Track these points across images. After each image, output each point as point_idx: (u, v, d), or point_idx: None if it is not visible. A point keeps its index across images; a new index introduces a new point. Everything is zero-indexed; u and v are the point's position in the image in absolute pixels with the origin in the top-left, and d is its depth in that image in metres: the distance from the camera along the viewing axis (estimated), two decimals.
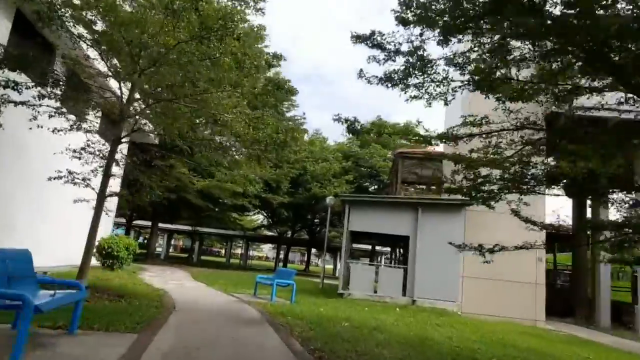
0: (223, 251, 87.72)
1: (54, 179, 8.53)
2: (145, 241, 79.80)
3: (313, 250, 63.81)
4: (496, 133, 7.13)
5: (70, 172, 8.65)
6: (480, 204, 7.21)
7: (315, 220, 41.53)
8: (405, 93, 6.12)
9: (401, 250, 24.09)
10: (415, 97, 6.16)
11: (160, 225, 40.16)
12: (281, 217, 30.99)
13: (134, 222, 34.73)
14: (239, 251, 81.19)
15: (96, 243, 14.21)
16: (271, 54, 8.30)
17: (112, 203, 19.07)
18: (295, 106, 28.80)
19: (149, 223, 40.60)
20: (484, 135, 7.23)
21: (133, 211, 33.46)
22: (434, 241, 14.45)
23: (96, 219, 8.62)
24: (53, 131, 8.72)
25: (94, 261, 14.69)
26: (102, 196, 8.67)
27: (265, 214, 41.42)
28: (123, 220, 37.31)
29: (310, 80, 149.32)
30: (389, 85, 5.97)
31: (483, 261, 7.05)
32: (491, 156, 7.26)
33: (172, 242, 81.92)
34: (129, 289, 9.92)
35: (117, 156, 9.55)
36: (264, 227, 48.88)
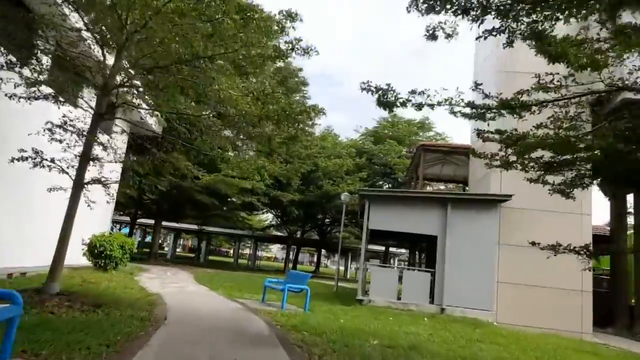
0: (231, 251, 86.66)
1: (16, 160, 7.04)
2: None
3: (322, 251, 62.29)
4: (573, 100, 5.49)
5: (36, 152, 7.15)
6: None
7: (326, 220, 39.96)
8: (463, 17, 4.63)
9: (423, 252, 22.40)
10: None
11: (165, 223, 38.90)
12: (291, 215, 29.46)
13: (139, 220, 33.38)
14: (247, 251, 79.97)
15: (87, 241, 12.84)
16: (284, 13, 6.94)
17: (107, 196, 17.74)
18: (307, 98, 27.26)
19: (165, 222, 39.46)
20: (559, 104, 5.59)
21: (137, 209, 32.19)
22: (465, 241, 12.81)
23: (72, 206, 7.13)
24: (29, 100, 7.26)
25: (85, 261, 13.31)
26: (79, 182, 7.16)
27: (274, 213, 39.97)
28: (127, 218, 36.17)
29: (316, 81, 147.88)
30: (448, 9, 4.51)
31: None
32: (564, 133, 5.63)
33: (181, 241, 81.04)
34: (114, 295, 8.43)
35: (115, 147, 8.07)
36: (272, 227, 47.53)
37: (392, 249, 48.37)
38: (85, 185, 7.30)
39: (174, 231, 45.04)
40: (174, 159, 19.67)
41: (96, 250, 12.36)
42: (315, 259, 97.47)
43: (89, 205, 8.21)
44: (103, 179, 7.65)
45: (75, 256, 12.87)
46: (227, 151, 10.96)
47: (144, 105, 10.73)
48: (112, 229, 17.87)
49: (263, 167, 22.98)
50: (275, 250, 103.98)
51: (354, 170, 30.64)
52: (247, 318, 8.24)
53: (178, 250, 71.49)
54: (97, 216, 16.03)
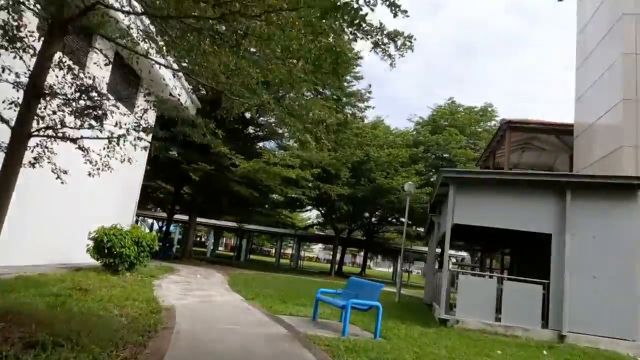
0: (273, 251, 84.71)
1: None
2: (199, 238, 78.62)
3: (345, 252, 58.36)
4: None
5: None
6: None
7: (373, 219, 36.53)
8: None
9: (517, 256, 18.58)
10: None
11: (204, 220, 36.88)
12: (340, 212, 26.35)
13: (176, 216, 31.42)
14: (289, 251, 77.67)
15: (94, 234, 10.32)
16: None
17: (131, 191, 15.31)
18: (359, 78, 23.92)
19: (201, 219, 37.48)
20: None
21: (174, 204, 30.22)
22: (591, 242, 9.21)
23: (10, 162, 4.31)
24: None
25: (91, 260, 10.81)
26: (21, 132, 4.34)
27: (320, 210, 37.04)
28: (164, 214, 34.37)
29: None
30: None
31: None
32: None
33: (224, 240, 79.93)
34: (97, 315, 5.62)
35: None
36: (316, 226, 44.74)
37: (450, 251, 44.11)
38: (30, 138, 4.47)
39: (213, 228, 43.12)
40: (210, 141, 17.07)
41: (104, 247, 9.78)
42: (356, 260, 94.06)
43: (58, 177, 5.46)
44: (59, 130, 4.78)
45: (84, 254, 10.39)
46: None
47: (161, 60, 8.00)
48: (137, 222, 15.49)
49: (315, 156, 20.09)
50: (317, 250, 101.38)
51: (407, 163, 27.14)
52: (294, 356, 5.21)
53: (220, 249, 70.37)
54: (115, 207, 13.64)
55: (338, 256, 36.95)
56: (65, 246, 10.63)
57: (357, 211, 28.32)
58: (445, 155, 30.55)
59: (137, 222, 15.48)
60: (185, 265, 19.17)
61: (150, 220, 44.61)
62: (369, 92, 23.46)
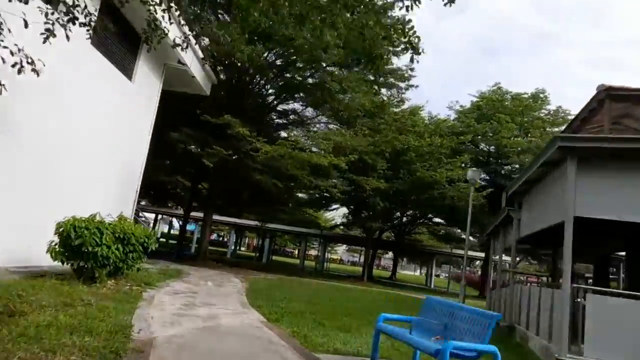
0: (296, 252, 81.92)
1: None
2: (221, 238, 76.44)
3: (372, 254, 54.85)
4: None
5: None
6: None
7: (404, 218, 33.19)
8: None
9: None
10: None
11: (221, 218, 34.27)
12: (375, 209, 23.19)
13: (193, 213, 28.90)
14: (312, 252, 74.66)
15: (60, 227, 7.57)
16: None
17: (130, 177, 12.55)
18: (399, 53, 20.50)
19: (220, 216, 34.92)
20: None
21: (191, 200, 27.71)
22: None
23: None
24: None
25: (51, 262, 8.03)
26: None
27: (349, 209, 33.94)
28: (181, 212, 31.92)
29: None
30: None
31: None
32: None
33: (246, 240, 77.57)
34: None
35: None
36: (341, 226, 41.72)
37: (472, 253, 40.33)
38: None
39: (234, 227, 40.56)
40: (227, 120, 14.39)
41: (72, 245, 6.99)
42: (380, 262, 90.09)
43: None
44: None
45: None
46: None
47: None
48: (136, 219, 12.82)
49: (349, 142, 17.14)
50: (341, 252, 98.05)
51: (449, 154, 23.79)
52: None
53: (242, 249, 67.97)
54: (107, 196, 10.95)
55: (361, 258, 33.76)
56: (29, 242, 7.92)
57: (394, 208, 25.01)
58: (491, 147, 27.09)
59: (137, 217, 12.79)
60: (198, 268, 16.44)
61: (148, 216, 42.18)
62: (411, 69, 20.27)
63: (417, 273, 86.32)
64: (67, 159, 9.04)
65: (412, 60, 5.00)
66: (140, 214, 13.53)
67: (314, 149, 17.32)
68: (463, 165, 23.64)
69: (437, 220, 33.72)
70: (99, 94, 9.92)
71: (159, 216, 45.63)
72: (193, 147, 15.17)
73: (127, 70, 11.18)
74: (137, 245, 8.35)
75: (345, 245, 78.64)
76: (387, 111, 21.61)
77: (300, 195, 34.16)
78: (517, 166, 26.24)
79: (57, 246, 7.13)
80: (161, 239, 47.65)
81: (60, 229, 7.09)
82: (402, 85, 20.59)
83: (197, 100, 16.01)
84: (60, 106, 8.60)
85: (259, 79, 19.53)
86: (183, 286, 10.05)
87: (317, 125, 21.88)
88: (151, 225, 51.72)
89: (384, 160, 20.94)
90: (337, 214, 46.68)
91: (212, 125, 15.42)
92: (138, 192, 12.46)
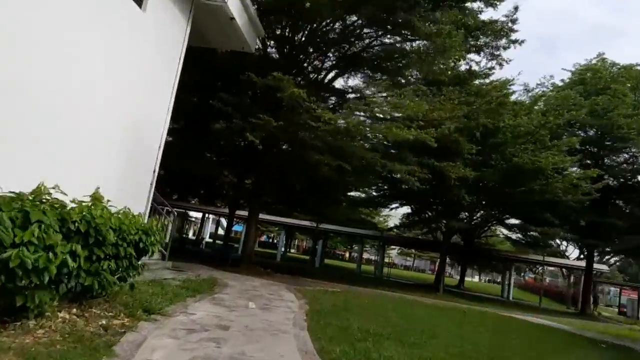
0: (347, 254, 77.80)
1: None
2: (271, 239, 73.74)
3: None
4: None
5: None
6: None
7: (474, 219, 27.90)
8: None
9: None
10: None
11: (269, 217, 30.87)
12: (460, 204, 18.60)
13: (238, 212, 25.73)
14: (364, 255, 70.26)
15: None
16: None
17: (144, 161, 8.66)
18: (494, 3, 15.64)
19: (268, 216, 31.60)
20: None
21: (237, 197, 24.55)
22: None
23: None
24: None
25: None
26: None
27: (414, 207, 29.55)
28: (227, 210, 28.81)
29: None
30: None
31: None
32: None
33: (295, 242, 74.37)
34: None
35: None
36: (403, 227, 37.38)
37: (563, 261, 34.30)
38: None
39: (284, 228, 37.15)
40: (278, 80, 10.70)
41: None
42: (434, 267, 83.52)
43: None
44: None
45: None
46: None
47: None
48: (150, 213, 9.41)
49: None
50: (394, 255, 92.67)
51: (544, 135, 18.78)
52: None
53: (292, 250, 64.86)
54: (108, 178, 7.50)
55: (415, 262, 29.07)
56: None
57: (483, 203, 20.17)
58: (599, 129, 21.73)
59: (151, 213, 9.41)
60: (240, 276, 12.90)
61: (195, 215, 39.81)
62: (512, 22, 15.47)
63: (475, 279, 79.32)
64: (33, 116, 5.65)
65: None
66: (167, 209, 9.81)
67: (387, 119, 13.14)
68: (566, 149, 18.66)
69: (514, 221, 28.55)
70: (88, 24, 6.49)
71: (206, 215, 43.29)
72: (234, 120, 11.62)
73: None
74: (124, 247, 4.76)
75: (398, 248, 73.88)
76: (472, 82, 17.14)
77: (354, 193, 30.45)
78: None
79: None
80: (208, 240, 45.51)
81: None
82: (501, 42, 15.85)
83: (237, 62, 12.51)
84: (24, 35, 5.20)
85: (318, 42, 15.68)
86: (209, 311, 6.37)
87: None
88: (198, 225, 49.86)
89: (470, 144, 16.44)
90: (392, 214, 42.64)
91: (257, 93, 11.86)
92: (156, 173, 9.00)
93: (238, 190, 24.07)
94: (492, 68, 17.29)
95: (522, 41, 15.11)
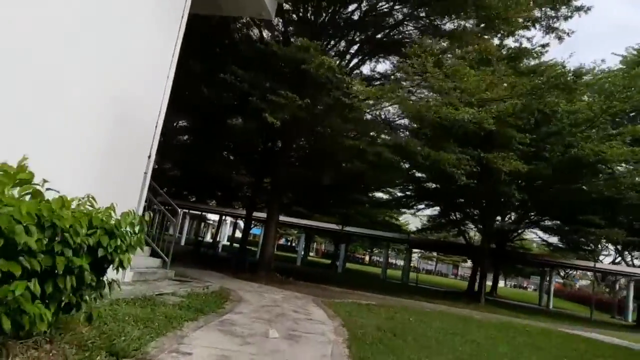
0: (366, 258, 75.38)
1: None
2: (289, 242, 71.79)
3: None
4: None
5: None
6: None
7: (507, 220, 24.96)
8: None
9: None
10: None
11: (286, 219, 28.90)
12: (509, 201, 16.27)
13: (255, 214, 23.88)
14: (378, 258, 67.88)
15: None
16: None
17: (139, 146, 6.20)
18: None
19: (292, 219, 29.63)
20: None
21: (254, 196, 22.74)
22: None
23: None
24: None
25: None
26: None
27: (443, 207, 27.27)
28: (244, 212, 26.95)
29: None
30: None
31: None
32: None
33: (313, 245, 72.19)
34: None
35: None
36: (429, 230, 35.25)
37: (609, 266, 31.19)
38: None
39: (304, 230, 35.21)
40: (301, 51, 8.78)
41: None
42: (458, 271, 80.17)
43: None
44: None
45: None
46: None
47: None
48: (144, 211, 7.57)
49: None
50: (415, 258, 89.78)
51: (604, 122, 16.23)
52: None
53: (311, 254, 62.85)
54: (83, 163, 5.49)
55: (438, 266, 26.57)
56: None
57: (535, 201, 17.64)
58: None
59: (146, 211, 7.55)
60: (257, 286, 10.98)
61: (212, 217, 38.25)
62: None
63: (500, 284, 75.76)
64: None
65: None
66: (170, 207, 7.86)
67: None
68: (630, 139, 16.16)
69: (548, 223, 25.82)
70: None
71: (223, 217, 41.65)
72: (251, 99, 9.70)
73: None
74: (66, 257, 2.84)
75: (419, 252, 71.32)
76: (522, 62, 14.91)
77: (377, 194, 28.50)
78: None
79: None
80: (225, 243, 43.93)
81: None
82: (562, 11, 13.40)
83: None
84: None
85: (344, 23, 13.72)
86: (213, 346, 4.42)
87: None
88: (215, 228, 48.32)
89: (520, 133, 14.13)
90: (411, 217, 40.55)
91: (276, 70, 9.95)
92: (153, 159, 7.12)
93: (256, 190, 22.27)
94: (545, 45, 15.00)
95: (589, 8, 12.81)
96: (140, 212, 6.77)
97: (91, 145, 5.70)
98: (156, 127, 7.10)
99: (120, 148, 6.33)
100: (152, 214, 8.29)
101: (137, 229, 3.76)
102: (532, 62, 15.97)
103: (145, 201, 8.15)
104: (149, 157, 7.02)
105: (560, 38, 13.39)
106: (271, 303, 8.33)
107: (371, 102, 9.28)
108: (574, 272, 59.60)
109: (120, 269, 3.74)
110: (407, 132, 11.78)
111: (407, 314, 10.11)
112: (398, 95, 9.31)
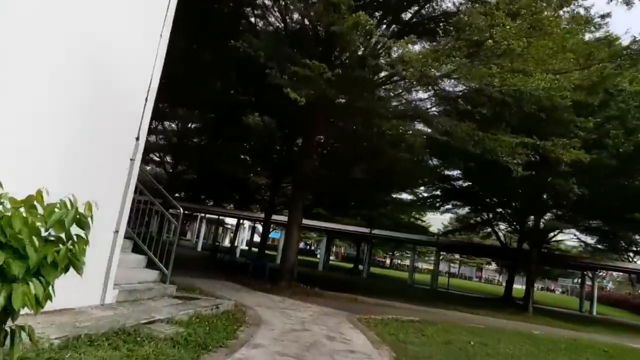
0: (387, 261, 72.94)
1: None
2: (308, 246, 69.83)
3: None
4: None
5: None
6: None
7: (545, 218, 22.28)
8: None
9: None
10: None
11: (307, 222, 27.05)
12: (567, 197, 14.14)
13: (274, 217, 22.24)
14: (404, 262, 65.65)
15: None
16: None
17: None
18: None
19: (314, 222, 27.70)
20: None
21: (273, 196, 21.17)
22: None
23: None
24: None
25: None
26: None
27: (474, 207, 25.22)
28: (262, 215, 25.25)
29: None
30: None
31: None
32: None
33: (333, 248, 70.00)
34: None
35: None
36: (457, 231, 33.45)
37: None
38: None
39: (325, 233, 33.38)
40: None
41: None
42: (482, 274, 76.59)
43: None
44: None
45: None
46: None
47: None
48: (132, 210, 5.93)
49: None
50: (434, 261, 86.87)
51: None
52: None
53: (331, 258, 60.86)
54: (41, 144, 3.75)
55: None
56: None
57: (596, 198, 15.32)
58: None
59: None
60: (280, 302, 9.24)
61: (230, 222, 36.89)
62: None
63: (521, 286, 72.36)
64: None
65: None
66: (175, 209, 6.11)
67: None
68: None
69: (592, 223, 23.31)
70: None
71: (241, 221, 40.16)
72: (267, 71, 8.01)
73: None
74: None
75: (443, 254, 68.92)
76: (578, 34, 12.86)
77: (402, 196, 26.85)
78: None
79: None
80: (243, 247, 42.38)
81: None
82: None
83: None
84: None
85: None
86: None
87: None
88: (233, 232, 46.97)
89: (580, 118, 12.08)
90: (432, 219, 38.85)
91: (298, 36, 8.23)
92: (142, 142, 5.47)
93: (275, 191, 20.68)
94: (605, 16, 12.93)
95: None
96: (125, 210, 5.14)
97: (54, 120, 4.08)
98: (146, 100, 5.46)
99: (97, 127, 4.70)
100: (146, 217, 6.69)
101: (68, 232, 2.03)
102: (590, 36, 13.87)
103: (140, 198, 6.55)
104: (137, 139, 5.38)
105: (628, 3, 11.32)
106: (298, 326, 6.59)
107: (420, 69, 7.47)
108: (604, 274, 56.68)
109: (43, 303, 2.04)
110: (451, 117, 9.91)
111: (461, 334, 8.25)
112: (454, 59, 7.51)
